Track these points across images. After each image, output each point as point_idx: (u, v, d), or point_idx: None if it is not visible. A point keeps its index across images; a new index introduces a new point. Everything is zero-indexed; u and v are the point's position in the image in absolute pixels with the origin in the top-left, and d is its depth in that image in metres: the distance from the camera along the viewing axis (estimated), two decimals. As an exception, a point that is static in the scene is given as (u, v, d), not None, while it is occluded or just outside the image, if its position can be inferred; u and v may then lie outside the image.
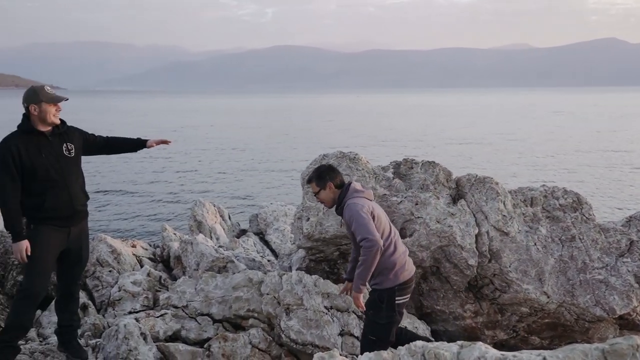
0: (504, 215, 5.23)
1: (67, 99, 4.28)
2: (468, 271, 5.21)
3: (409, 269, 4.20)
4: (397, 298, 4.11)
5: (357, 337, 4.90)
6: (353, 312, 5.04)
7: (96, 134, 4.62)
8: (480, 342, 3.02)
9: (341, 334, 4.93)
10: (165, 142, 4.66)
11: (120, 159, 25.97)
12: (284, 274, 5.34)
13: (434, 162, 5.60)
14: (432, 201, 5.29)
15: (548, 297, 5.10)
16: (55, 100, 4.17)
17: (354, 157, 5.64)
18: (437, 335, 5.48)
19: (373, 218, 4.04)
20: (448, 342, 3.19)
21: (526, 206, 5.42)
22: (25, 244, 4.08)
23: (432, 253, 5.27)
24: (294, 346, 4.91)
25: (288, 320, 4.99)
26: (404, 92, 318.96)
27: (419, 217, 5.27)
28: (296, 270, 5.82)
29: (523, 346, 5.37)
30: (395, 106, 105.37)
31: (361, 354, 4.26)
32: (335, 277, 5.72)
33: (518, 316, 5.33)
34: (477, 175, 5.51)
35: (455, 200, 5.45)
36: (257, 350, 4.94)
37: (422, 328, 5.27)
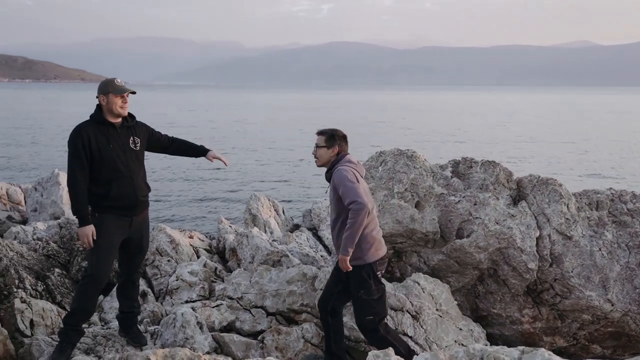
0: (567, 219, 5.03)
1: (134, 92, 4.38)
2: (527, 275, 5.05)
3: (384, 246, 4.34)
4: (378, 272, 4.24)
5: (410, 337, 4.83)
6: (407, 311, 4.97)
7: (162, 133, 4.72)
8: (543, 349, 2.91)
9: (394, 333, 4.86)
10: (223, 162, 4.78)
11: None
12: (338, 270, 5.31)
13: (494, 162, 5.45)
14: (492, 202, 5.14)
15: (612, 305, 4.88)
16: (121, 92, 4.28)
17: (412, 155, 5.55)
18: (492, 339, 5.34)
19: None
20: (505, 346, 3.09)
21: (591, 210, 5.20)
22: (91, 228, 4.21)
23: (490, 255, 5.13)
24: (347, 343, 4.88)
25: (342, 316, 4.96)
26: (461, 90, 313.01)
27: (477, 217, 5.14)
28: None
29: (584, 355, 5.16)
30: (453, 104, 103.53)
31: (369, 339, 4.35)
32: (389, 276, 5.65)
33: (579, 323, 5.12)
34: (539, 176, 5.32)
35: (515, 201, 5.28)
36: (309, 344, 4.94)
37: (477, 331, 5.14)
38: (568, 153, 30.08)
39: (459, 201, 5.24)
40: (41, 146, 31.10)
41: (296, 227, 9.98)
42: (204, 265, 6.36)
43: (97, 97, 4.33)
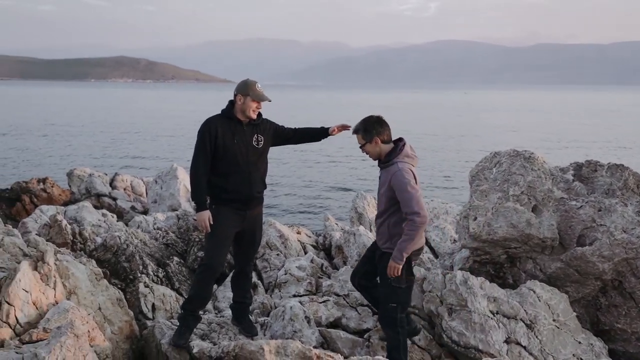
0: None
1: (270, 101, 4.50)
2: (658, 289, 4.62)
3: (422, 237, 4.33)
4: (412, 262, 4.29)
5: (524, 346, 4.59)
6: (521, 319, 4.73)
7: (283, 126, 4.82)
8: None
9: (507, 342, 4.64)
10: (345, 127, 4.71)
11: (292, 151, 27.23)
12: (448, 273, 5.16)
13: (622, 166, 5.04)
14: (619, 208, 4.76)
15: None
16: (259, 99, 4.45)
17: (529, 157, 5.27)
18: (615, 356, 4.95)
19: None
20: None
21: None
22: (207, 213, 4.40)
23: (615, 265, 4.75)
24: (456, 348, 4.73)
25: (450, 320, 4.82)
26: (576, 89, 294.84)
27: (601, 224, 4.78)
28: (459, 270, 5.62)
29: None
30: (569, 104, 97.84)
31: (383, 324, 4.39)
32: (500, 282, 5.41)
33: None
34: (675, 183, 4.85)
35: (646, 208, 4.86)
36: (416, 347, 4.84)
37: (598, 346, 4.78)
38: None
39: (581, 206, 4.90)
40: (162, 142, 33.14)
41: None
42: (311, 261, 6.44)
43: (234, 95, 4.50)
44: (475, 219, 5.33)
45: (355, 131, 4.36)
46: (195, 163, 4.43)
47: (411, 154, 4.26)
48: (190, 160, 4.48)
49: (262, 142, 4.54)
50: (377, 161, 4.39)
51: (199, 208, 4.45)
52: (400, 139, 4.35)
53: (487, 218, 5.26)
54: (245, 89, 4.45)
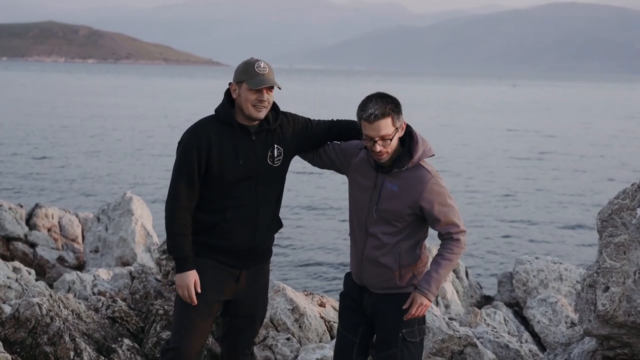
0: None
1: (277, 87, 4.47)
2: None
3: None
4: None
5: None
6: None
7: (315, 119, 4.81)
8: None
9: None
10: None
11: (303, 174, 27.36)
12: (562, 377, 5.15)
13: None
14: None
15: None
16: (258, 85, 4.40)
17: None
18: None
19: None
20: None
21: None
22: (194, 275, 4.45)
23: None
24: None
25: None
26: None
27: None
28: (579, 371, 5.60)
29: None
30: None
31: None
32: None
33: None
34: None
35: None
36: None
37: None
38: None
39: None
40: (109, 156, 33.65)
41: (487, 299, 9.84)
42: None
43: (229, 85, 4.56)
44: (607, 288, 5.34)
45: (383, 114, 4.36)
46: (173, 193, 4.49)
47: (429, 151, 4.55)
48: (167, 188, 4.56)
49: (281, 158, 4.56)
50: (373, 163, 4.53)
51: (179, 265, 4.49)
52: (407, 129, 4.53)
53: (626, 288, 5.28)
54: (239, 73, 4.48)
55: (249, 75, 4.42)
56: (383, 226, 4.48)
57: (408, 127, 4.51)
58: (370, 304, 4.60)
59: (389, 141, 4.36)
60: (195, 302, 4.45)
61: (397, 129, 4.40)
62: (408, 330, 4.47)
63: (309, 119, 4.77)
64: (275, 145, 4.54)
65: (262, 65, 4.45)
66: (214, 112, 4.57)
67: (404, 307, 4.45)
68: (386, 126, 4.35)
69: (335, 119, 4.85)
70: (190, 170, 4.41)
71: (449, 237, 4.45)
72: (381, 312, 4.54)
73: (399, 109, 4.42)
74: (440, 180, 4.46)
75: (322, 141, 4.73)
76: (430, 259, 4.54)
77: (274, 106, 4.57)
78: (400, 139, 4.46)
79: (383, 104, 4.35)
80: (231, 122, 4.47)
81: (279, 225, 4.75)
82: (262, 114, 4.46)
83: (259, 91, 4.41)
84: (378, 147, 4.34)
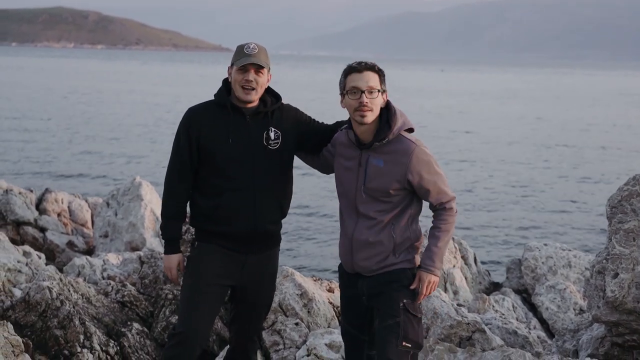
0: None
1: (262, 66, 4.49)
2: None
3: None
4: None
5: None
6: None
7: (318, 120, 4.84)
8: None
9: None
10: None
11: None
12: (570, 362, 5.16)
13: None
14: None
15: None
16: (241, 64, 4.46)
17: None
18: None
19: None
20: None
21: None
22: (177, 258, 4.56)
23: None
24: None
25: None
26: None
27: None
28: (587, 357, 5.62)
29: None
30: None
31: None
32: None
33: None
34: None
35: None
36: None
37: None
38: None
39: None
40: (120, 142, 33.60)
41: (496, 286, 9.88)
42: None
43: (228, 69, 4.62)
44: (617, 275, 5.34)
45: (372, 68, 4.49)
46: (168, 177, 4.56)
47: (408, 122, 4.54)
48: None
49: (278, 142, 4.55)
50: (354, 140, 4.53)
51: (167, 247, 4.58)
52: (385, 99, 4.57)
53: (636, 275, 5.28)
54: (233, 56, 4.55)
55: (238, 56, 4.50)
56: (374, 204, 4.48)
57: (387, 101, 4.54)
58: (366, 287, 4.57)
59: (375, 93, 4.41)
60: (179, 282, 4.61)
61: (382, 91, 4.47)
62: (409, 301, 4.46)
63: (308, 116, 4.81)
64: (272, 128, 4.55)
65: (251, 46, 4.52)
66: (213, 97, 4.64)
67: (411, 287, 4.48)
68: (374, 79, 4.45)
69: (340, 121, 4.87)
70: (182, 152, 4.49)
71: (441, 208, 4.50)
72: (378, 289, 4.52)
73: (384, 77, 4.51)
74: (425, 148, 4.47)
75: (325, 141, 4.75)
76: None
77: (274, 93, 4.64)
78: (380, 115, 4.47)
79: (372, 63, 4.50)
80: (225, 104, 4.52)
81: (282, 214, 4.72)
82: (251, 97, 4.49)
83: (246, 71, 4.46)
84: (365, 99, 4.38)
